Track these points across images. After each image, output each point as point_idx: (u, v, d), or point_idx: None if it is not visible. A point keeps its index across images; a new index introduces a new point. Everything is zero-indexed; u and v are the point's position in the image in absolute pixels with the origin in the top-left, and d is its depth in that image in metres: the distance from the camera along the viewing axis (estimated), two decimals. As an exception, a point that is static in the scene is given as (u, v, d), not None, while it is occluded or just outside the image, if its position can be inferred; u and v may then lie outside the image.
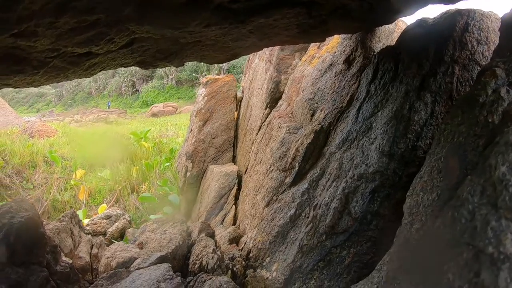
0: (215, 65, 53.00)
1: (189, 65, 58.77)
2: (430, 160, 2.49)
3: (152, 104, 49.02)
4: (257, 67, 8.19)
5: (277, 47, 6.91)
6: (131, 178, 12.23)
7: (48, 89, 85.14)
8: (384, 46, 4.57)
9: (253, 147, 6.95)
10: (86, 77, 4.04)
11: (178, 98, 54.94)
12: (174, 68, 59.37)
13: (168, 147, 15.50)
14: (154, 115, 39.33)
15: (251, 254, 4.56)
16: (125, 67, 4.19)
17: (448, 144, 2.33)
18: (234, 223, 6.35)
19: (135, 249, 4.47)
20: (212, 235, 4.71)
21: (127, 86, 67.29)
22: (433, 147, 2.55)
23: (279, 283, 3.75)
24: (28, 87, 3.84)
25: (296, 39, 4.43)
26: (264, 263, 4.22)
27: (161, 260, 3.97)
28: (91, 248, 5.22)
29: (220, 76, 9.31)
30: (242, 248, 4.91)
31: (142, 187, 11.72)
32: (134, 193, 11.42)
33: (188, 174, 8.81)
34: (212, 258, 3.93)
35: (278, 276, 3.82)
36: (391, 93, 3.73)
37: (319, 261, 3.54)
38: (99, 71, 3.94)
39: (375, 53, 4.52)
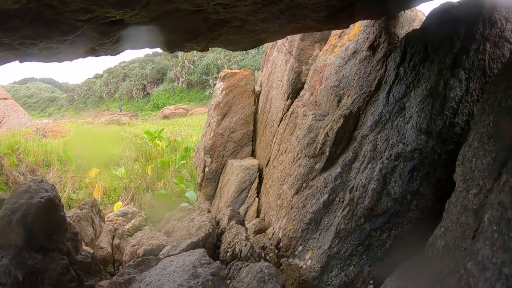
0: (225, 67, 53.11)
1: (200, 67, 59.02)
2: (477, 128, 2.42)
3: (163, 107, 49.20)
4: (276, 59, 8.11)
5: (298, 38, 6.85)
6: (146, 176, 12.23)
7: (59, 94, 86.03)
8: (406, 32, 4.51)
9: (274, 139, 6.87)
10: (111, 54, 3.90)
11: (189, 101, 55.11)
12: (185, 70, 59.64)
13: (182, 145, 15.51)
14: (166, 117, 39.47)
15: (281, 244, 4.47)
16: (150, 47, 4.11)
17: (496, 110, 2.28)
18: (257, 216, 6.26)
19: (163, 236, 4.33)
20: (242, 223, 4.60)
21: (138, 90, 67.70)
22: (477, 116, 2.49)
23: (315, 271, 3.64)
24: (51, 61, 3.64)
25: (321, 25, 4.37)
26: (296, 252, 4.12)
27: (192, 246, 3.78)
28: (113, 238, 5.07)
29: (238, 70, 9.25)
30: (271, 238, 4.82)
31: (157, 185, 11.70)
32: (150, 191, 11.39)
33: (207, 169, 8.74)
34: (245, 245, 3.81)
35: (314, 264, 3.72)
36: (422, 73, 3.67)
37: (358, 246, 3.44)
38: (125, 49, 3.86)
39: (400, 38, 4.48)
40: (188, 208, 4.97)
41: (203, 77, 57.45)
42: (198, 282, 2.50)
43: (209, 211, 4.80)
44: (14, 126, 19.89)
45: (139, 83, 68.44)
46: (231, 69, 52.29)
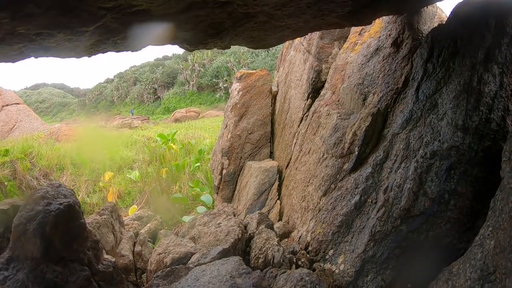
0: (235, 70, 53.17)
1: (210, 70, 59.24)
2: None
3: (174, 110, 49.40)
4: (293, 59, 8.01)
5: (316, 37, 6.76)
6: (161, 180, 12.18)
7: (71, 99, 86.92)
8: (430, 28, 4.48)
9: (294, 139, 6.77)
10: (131, 50, 3.80)
11: (200, 104, 55.36)
12: (195, 74, 59.85)
13: (196, 148, 15.46)
14: (177, 120, 39.57)
15: (310, 248, 4.36)
16: (172, 43, 4.02)
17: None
18: (280, 219, 6.16)
19: (190, 243, 4.19)
20: (271, 227, 4.49)
21: (149, 93, 68.12)
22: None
23: (349, 276, 3.54)
24: (69, 56, 3.49)
25: (344, 21, 4.30)
26: (327, 256, 4.01)
27: (223, 254, 3.62)
28: (134, 245, 4.97)
29: (254, 71, 9.16)
30: (298, 242, 4.72)
31: (172, 188, 11.64)
32: (164, 194, 11.34)
33: (224, 171, 8.65)
34: (278, 251, 3.70)
35: (347, 269, 3.61)
36: (453, 68, 3.57)
37: (394, 248, 3.34)
38: (147, 45, 3.77)
39: (424, 34, 4.40)
40: (213, 212, 4.87)
41: (214, 80, 57.71)
42: None
43: (234, 215, 4.70)
44: (26, 130, 20.05)
45: (149, 87, 68.92)
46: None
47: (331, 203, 4.37)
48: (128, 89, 75.92)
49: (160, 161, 14.16)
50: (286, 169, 6.96)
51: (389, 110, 4.28)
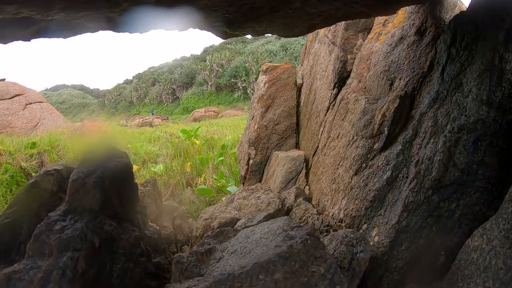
0: (253, 70, 53.32)
1: (228, 70, 59.48)
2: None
3: (193, 111, 49.71)
4: (318, 51, 8.26)
5: (341, 28, 6.99)
6: (185, 173, 12.44)
7: (90, 99, 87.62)
8: (451, 17, 4.67)
9: (321, 128, 7.01)
10: (177, 29, 4.05)
11: (218, 104, 55.61)
12: (213, 74, 60.14)
13: (219, 143, 15.73)
14: (196, 120, 39.85)
15: (343, 224, 4.58)
16: (212, 27, 4.25)
17: None
18: (309, 204, 6.38)
19: (234, 211, 4.41)
20: (309, 200, 4.71)
21: (167, 94, 68.53)
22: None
23: (384, 246, 3.73)
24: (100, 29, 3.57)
25: (370, 11, 4.52)
26: (361, 230, 4.21)
27: (269, 218, 3.83)
28: (174, 219, 5.17)
29: (279, 64, 9.42)
30: (332, 219, 4.94)
31: (196, 181, 11.88)
32: (189, 187, 11.57)
33: (251, 161, 8.90)
34: (318, 219, 3.90)
35: (382, 240, 3.81)
36: (476, 51, 3.78)
37: (427, 218, 3.53)
38: (189, 27, 3.96)
39: (447, 22, 4.61)
40: (251, 188, 5.10)
41: (232, 80, 57.92)
42: (296, 242, 2.40)
43: (271, 191, 4.92)
44: (50, 128, 20.35)
45: (168, 87, 69.34)
46: (259, 71, 52.44)
47: (363, 181, 4.60)
48: (147, 89, 76.50)
49: (184, 156, 14.43)
50: (313, 157, 7.19)
51: (415, 92, 4.50)
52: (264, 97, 9.05)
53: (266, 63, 10.03)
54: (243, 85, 55.00)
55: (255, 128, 8.94)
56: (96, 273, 2.50)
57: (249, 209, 4.40)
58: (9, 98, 22.20)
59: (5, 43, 3.44)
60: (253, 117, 9.40)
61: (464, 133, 3.49)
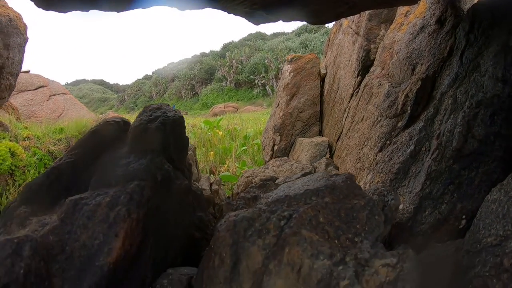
0: (272, 67, 53.43)
1: (247, 67, 59.45)
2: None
3: (212, 106, 49.92)
4: (342, 42, 8.62)
5: (365, 19, 7.33)
6: (209, 161, 12.78)
7: (110, 94, 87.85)
8: (470, 6, 4.96)
9: (345, 114, 7.37)
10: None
11: (237, 100, 55.65)
12: (233, 70, 60.27)
13: (241, 134, 16.04)
14: (216, 115, 40.01)
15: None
16: (247, 10, 4.55)
17: None
18: (334, 186, 6.72)
19: (272, 172, 4.69)
20: (338, 169, 4.98)
21: (187, 90, 68.70)
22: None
23: (408, 212, 4.02)
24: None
25: (394, 0, 4.89)
26: (386, 201, 4.58)
27: (306, 176, 4.06)
28: (211, 185, 5.49)
29: (304, 54, 9.80)
30: (358, 194, 5.28)
31: (220, 168, 12.21)
32: (212, 174, 11.89)
33: (276, 147, 9.25)
34: (349, 185, 4.19)
35: (407, 207, 4.09)
36: (492, 36, 4.07)
37: (449, 185, 3.81)
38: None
39: (466, 11, 4.93)
40: (283, 159, 5.43)
41: (251, 76, 57.88)
42: (338, 181, 2.55)
43: (301, 162, 5.22)
44: (73, 118, 20.55)
45: (187, 83, 69.46)
46: (278, 68, 52.99)
47: (387, 156, 4.94)
48: (166, 85, 76.77)
49: (207, 145, 14.77)
50: (336, 142, 7.54)
51: (436, 75, 4.83)
52: (289, 86, 9.42)
53: (291, 54, 10.39)
54: (262, 81, 55.03)
55: (280, 115, 9.32)
56: (157, 203, 2.70)
57: (284, 173, 4.67)
58: (34, 89, 22.39)
59: (64, 12, 3.76)
60: (278, 104, 9.78)
61: (481, 108, 3.79)
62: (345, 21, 8.67)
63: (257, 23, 5.28)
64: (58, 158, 3.24)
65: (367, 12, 7.24)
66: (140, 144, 3.19)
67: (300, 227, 1.61)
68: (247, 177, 4.51)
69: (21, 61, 6.27)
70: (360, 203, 1.86)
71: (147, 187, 2.49)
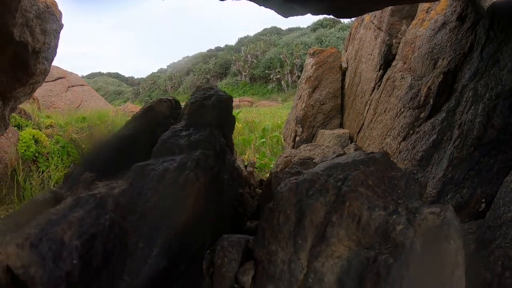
0: (288, 62, 53.45)
1: (262, 61, 59.45)
2: None
3: (227, 100, 50.02)
4: (364, 36, 8.88)
5: (387, 15, 7.58)
6: (229, 152, 13.04)
7: (125, 87, 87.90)
8: (491, 3, 5.20)
9: (367, 107, 7.64)
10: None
11: (252, 94, 55.68)
12: (248, 65, 60.33)
13: (260, 126, 16.28)
14: (231, 108, 40.08)
15: (393, 182, 5.21)
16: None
17: None
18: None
19: (307, 153, 4.92)
20: None
21: (201, 84, 68.81)
22: None
23: (432, 196, 4.24)
24: None
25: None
26: (411, 187, 4.84)
27: (341, 155, 3.95)
28: (246, 167, 5.70)
29: (326, 48, 10.09)
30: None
31: (240, 159, 12.45)
32: (234, 164, 12.10)
33: (298, 138, 9.52)
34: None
35: (430, 191, 4.32)
36: (511, 32, 4.31)
37: (469, 171, 4.04)
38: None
39: (486, 8, 5.17)
40: (312, 144, 5.67)
41: (266, 71, 57.85)
42: (376, 156, 2.60)
43: (331, 147, 5.46)
44: (92, 109, 20.78)
45: (202, 77, 69.50)
46: (293, 63, 53.08)
47: (411, 144, 5.21)
48: (181, 79, 76.81)
49: (226, 137, 15.05)
50: (357, 134, 7.82)
51: (457, 69, 5.07)
52: (311, 79, 9.71)
53: (313, 47, 10.66)
54: (277, 76, 55.00)
55: (302, 107, 9.61)
56: (217, 172, 2.85)
57: (317, 156, 4.88)
58: (52, 81, 22.59)
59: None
60: (300, 96, 10.08)
61: (500, 99, 4.03)
62: (367, 17, 8.93)
63: (286, 16, 5.49)
64: (117, 130, 3.48)
65: (389, 7, 7.50)
66: (197, 119, 3.39)
67: (356, 186, 1.90)
68: (286, 157, 4.77)
69: (56, 47, 6.52)
70: (398, 174, 2.13)
71: (210, 156, 2.65)
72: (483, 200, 3.82)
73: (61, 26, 6.55)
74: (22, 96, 6.60)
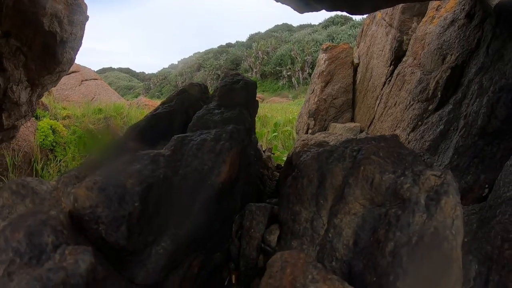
0: (299, 59, 53.49)
1: (273, 58, 59.46)
2: None
3: (237, 97, 50.06)
4: (375, 33, 9.16)
5: (398, 12, 7.86)
6: (242, 146, 13.34)
7: (136, 83, 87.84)
8: (498, 2, 5.45)
9: (377, 101, 7.93)
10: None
11: (263, 91, 55.61)
12: (259, 61, 60.38)
13: (271, 121, 16.55)
14: (241, 105, 40.22)
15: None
16: None
17: None
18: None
19: (323, 138, 5.19)
20: None
21: (212, 79, 68.50)
22: None
23: None
24: None
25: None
26: (417, 174, 5.12)
27: None
28: (264, 151, 5.92)
29: (338, 44, 10.38)
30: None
31: (252, 153, 12.74)
32: (244, 158, 12.40)
33: (310, 131, 9.75)
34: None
35: None
36: None
37: (473, 158, 4.28)
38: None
39: (493, 7, 5.41)
40: (326, 132, 5.96)
41: (277, 68, 57.78)
42: (387, 136, 2.82)
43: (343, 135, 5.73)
44: (105, 103, 21.09)
45: (213, 73, 69.42)
46: (304, 60, 53.10)
47: (419, 134, 5.47)
48: (192, 74, 76.68)
49: (239, 131, 15.35)
50: (368, 127, 8.10)
51: (464, 65, 5.31)
52: (324, 73, 10.00)
53: (326, 43, 10.94)
54: (288, 73, 54.96)
55: (315, 100, 9.90)
56: (246, 145, 3.08)
57: (332, 141, 5.15)
58: (66, 74, 22.98)
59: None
60: (313, 91, 10.37)
61: (504, 92, 4.26)
62: (378, 14, 9.21)
63: (302, 12, 5.74)
64: (154, 109, 3.79)
65: (400, 5, 7.77)
66: (227, 100, 3.68)
67: (369, 154, 2.19)
68: (303, 140, 5.06)
69: (81, 38, 6.80)
70: (405, 152, 2.40)
71: (241, 130, 2.91)
72: (486, 186, 4.04)
73: (86, 18, 6.85)
74: (49, 84, 6.90)
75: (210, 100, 3.81)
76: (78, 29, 6.61)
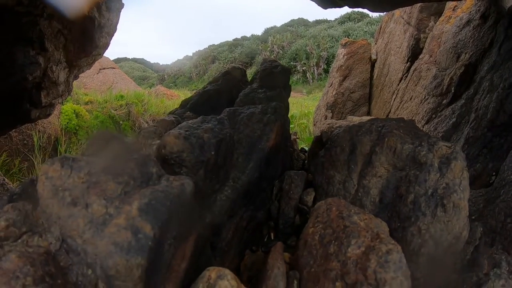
0: (314, 54, 53.43)
1: (288, 53, 59.31)
2: None
3: (251, 90, 50.13)
4: (393, 30, 9.54)
5: (416, 10, 8.22)
6: (257, 137, 13.74)
7: (150, 73, 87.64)
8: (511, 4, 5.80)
9: (393, 96, 8.32)
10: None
11: (277, 85, 55.59)
12: (274, 55, 60.13)
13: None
14: (255, 98, 40.44)
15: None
16: None
17: None
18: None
19: (347, 123, 5.59)
20: None
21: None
22: None
23: None
24: None
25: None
26: (429, 162, 5.48)
27: None
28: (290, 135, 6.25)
29: (357, 40, 10.76)
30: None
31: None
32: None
33: (328, 123, 10.18)
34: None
35: None
36: None
37: (482, 148, 4.61)
38: None
39: (506, 9, 5.72)
40: (346, 119, 6.36)
41: (292, 62, 57.51)
42: (406, 119, 3.16)
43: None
44: (123, 91, 21.35)
45: (228, 65, 69.25)
46: (320, 55, 52.92)
47: (433, 126, 5.83)
48: (206, 66, 76.32)
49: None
50: (384, 120, 8.53)
51: (477, 63, 5.63)
52: (342, 68, 10.40)
53: (345, 38, 11.31)
54: (303, 68, 54.69)
55: (333, 93, 10.30)
56: (285, 121, 3.48)
57: None
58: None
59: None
60: (331, 84, 10.77)
61: None
62: (397, 12, 9.56)
63: (325, 7, 6.08)
64: (202, 87, 4.24)
65: (418, 4, 8.13)
66: (268, 82, 4.05)
67: (392, 129, 2.64)
68: (328, 124, 5.40)
69: (116, 24, 7.01)
70: (421, 133, 2.84)
71: (282, 106, 3.33)
72: (494, 174, 4.35)
73: (122, 5, 7.17)
74: (85, 66, 7.31)
75: (251, 82, 4.24)
76: (114, 15, 6.94)
